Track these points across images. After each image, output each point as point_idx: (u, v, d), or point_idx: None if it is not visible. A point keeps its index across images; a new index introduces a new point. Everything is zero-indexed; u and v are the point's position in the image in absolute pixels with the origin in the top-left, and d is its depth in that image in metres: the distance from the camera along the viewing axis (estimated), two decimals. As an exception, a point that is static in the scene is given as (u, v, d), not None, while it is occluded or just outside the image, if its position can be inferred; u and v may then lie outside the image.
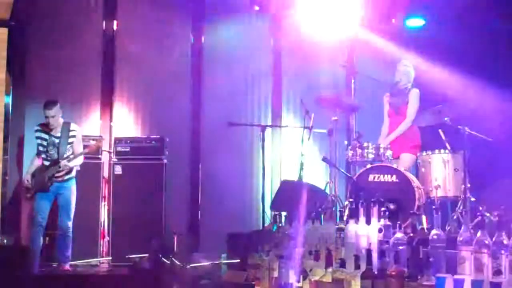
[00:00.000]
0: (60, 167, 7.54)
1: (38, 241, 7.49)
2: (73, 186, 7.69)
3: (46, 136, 7.65)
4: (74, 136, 7.70)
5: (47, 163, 7.63)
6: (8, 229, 8.26)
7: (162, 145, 8.65)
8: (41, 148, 7.66)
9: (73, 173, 7.69)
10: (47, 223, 7.61)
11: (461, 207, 6.84)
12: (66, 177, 7.63)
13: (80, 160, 7.72)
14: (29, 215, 8.37)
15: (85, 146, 7.84)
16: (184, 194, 9.59)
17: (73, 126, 7.75)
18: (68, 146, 7.66)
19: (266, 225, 7.08)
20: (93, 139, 8.24)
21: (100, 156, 8.45)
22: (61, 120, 7.68)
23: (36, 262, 7.38)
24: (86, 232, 8.17)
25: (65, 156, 7.60)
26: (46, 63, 9.06)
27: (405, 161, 7.81)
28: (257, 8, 9.68)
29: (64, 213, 7.60)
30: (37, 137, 7.68)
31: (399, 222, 4.69)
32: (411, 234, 4.37)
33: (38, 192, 7.55)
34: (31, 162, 7.75)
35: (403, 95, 8.02)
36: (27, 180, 7.61)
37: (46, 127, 7.66)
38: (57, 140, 7.63)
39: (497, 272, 3.84)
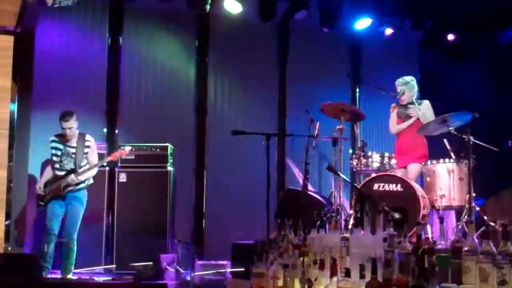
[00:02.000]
0: (78, 175, 7.60)
1: (50, 249, 7.50)
2: (84, 197, 7.77)
3: (61, 146, 7.72)
4: (89, 147, 7.80)
5: (60, 173, 7.69)
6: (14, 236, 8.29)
7: (167, 153, 8.65)
8: (55, 158, 7.73)
9: (85, 184, 7.75)
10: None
11: (466, 217, 6.83)
12: (80, 186, 7.69)
13: (95, 171, 7.81)
14: (34, 222, 8.41)
15: (101, 155, 8.00)
16: (188, 202, 9.60)
17: (88, 137, 7.84)
18: (84, 156, 7.74)
19: (270, 233, 7.05)
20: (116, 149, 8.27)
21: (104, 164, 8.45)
22: (76, 131, 7.75)
23: (47, 270, 7.40)
24: (90, 240, 8.16)
25: (82, 165, 7.70)
26: (52, 71, 9.07)
27: (413, 171, 7.81)
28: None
29: (70, 223, 7.63)
30: (52, 147, 7.76)
31: (404, 232, 4.67)
32: (416, 244, 4.35)
33: (52, 200, 7.59)
34: (44, 172, 7.84)
35: (410, 106, 8.05)
36: (40, 188, 7.66)
37: (61, 138, 7.73)
38: (72, 151, 7.71)
39: (502, 282, 3.83)
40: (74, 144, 7.74)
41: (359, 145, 7.95)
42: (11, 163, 8.30)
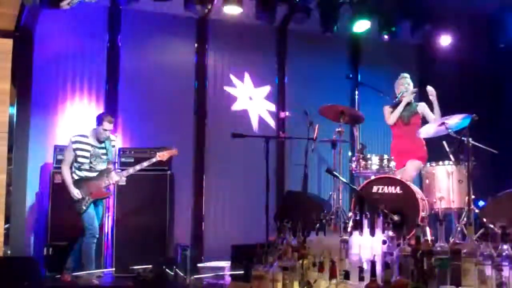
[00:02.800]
0: (123, 175, 7.68)
1: (93, 252, 7.51)
2: None
3: (89, 147, 7.65)
4: (113, 146, 7.94)
5: (91, 174, 7.63)
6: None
7: (166, 156, 8.64)
8: (82, 159, 7.61)
9: None
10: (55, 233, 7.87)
11: (465, 219, 6.83)
12: None
13: None
14: (34, 226, 8.42)
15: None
16: (188, 205, 9.59)
17: (112, 137, 7.91)
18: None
19: (270, 236, 7.06)
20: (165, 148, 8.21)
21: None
22: None
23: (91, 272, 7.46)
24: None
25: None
26: (51, 74, 9.07)
27: (412, 167, 7.82)
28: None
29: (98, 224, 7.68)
30: (77, 149, 7.61)
31: (403, 234, 4.68)
32: (415, 246, 4.35)
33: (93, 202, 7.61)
34: (66, 175, 7.60)
35: (410, 106, 8.07)
36: (78, 194, 7.52)
37: (89, 138, 7.68)
38: (102, 151, 7.70)
39: (501, 284, 3.83)
40: (103, 145, 7.73)
41: (358, 148, 7.95)
42: (10, 167, 8.31)
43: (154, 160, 7.93)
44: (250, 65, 10.23)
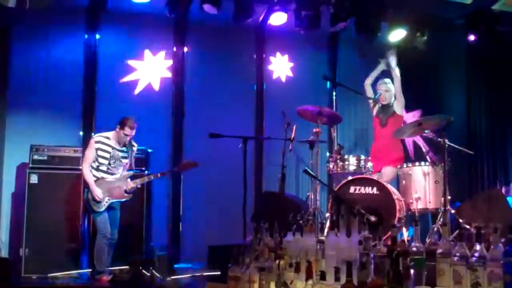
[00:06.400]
0: (143, 181, 7.71)
1: (104, 252, 7.48)
2: None
3: (109, 149, 7.62)
4: (135, 152, 7.87)
5: (108, 176, 7.61)
6: None
7: (145, 157, 8.61)
8: (101, 160, 7.58)
9: None
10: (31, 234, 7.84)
11: (441, 219, 6.87)
12: None
13: None
14: (9, 226, 8.35)
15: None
16: (165, 206, 9.55)
17: (133, 142, 7.84)
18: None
19: (247, 237, 7.06)
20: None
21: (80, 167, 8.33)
22: None
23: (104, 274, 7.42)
24: (66, 244, 8.11)
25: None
26: (28, 73, 8.99)
27: (388, 174, 7.87)
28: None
29: (116, 225, 7.71)
30: (99, 149, 7.59)
31: (379, 234, 4.69)
32: (391, 246, 4.37)
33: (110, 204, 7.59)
34: (87, 175, 7.55)
35: (387, 109, 8.12)
36: (100, 194, 7.48)
37: (110, 140, 7.64)
38: (121, 154, 7.68)
39: (476, 284, 3.86)
40: (124, 149, 7.71)
41: (335, 148, 7.98)
42: (-14, 167, 8.25)
43: (175, 169, 8.23)
44: (231, 64, 10.18)
